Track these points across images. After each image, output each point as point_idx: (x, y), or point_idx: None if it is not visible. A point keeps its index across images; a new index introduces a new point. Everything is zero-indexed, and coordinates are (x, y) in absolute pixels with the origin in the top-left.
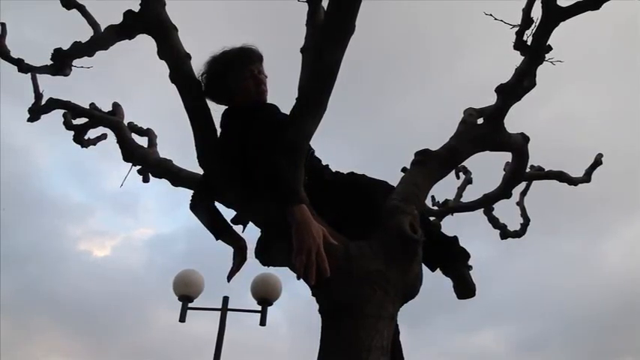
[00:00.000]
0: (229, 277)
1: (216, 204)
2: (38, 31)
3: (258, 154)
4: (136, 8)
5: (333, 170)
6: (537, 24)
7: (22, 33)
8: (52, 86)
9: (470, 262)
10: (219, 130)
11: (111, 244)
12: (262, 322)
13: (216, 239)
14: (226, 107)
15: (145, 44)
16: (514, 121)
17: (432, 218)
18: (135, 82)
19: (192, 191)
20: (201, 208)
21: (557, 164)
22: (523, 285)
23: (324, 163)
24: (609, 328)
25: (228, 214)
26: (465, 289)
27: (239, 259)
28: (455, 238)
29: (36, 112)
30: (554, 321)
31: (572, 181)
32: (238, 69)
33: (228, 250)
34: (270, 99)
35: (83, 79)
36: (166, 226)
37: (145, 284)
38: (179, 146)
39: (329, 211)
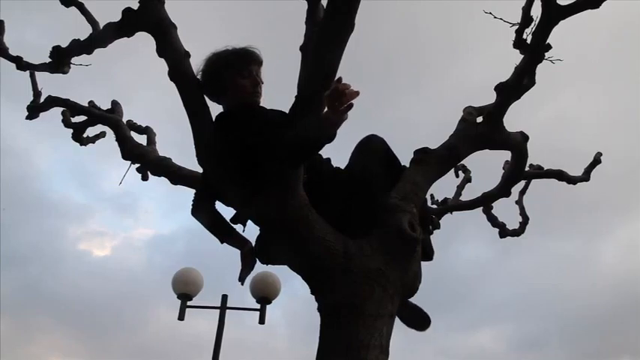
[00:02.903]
0: (242, 280)
1: (217, 207)
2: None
3: (261, 149)
4: (135, 6)
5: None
6: (537, 22)
7: (22, 36)
8: (50, 85)
9: (469, 261)
10: None
11: (111, 245)
12: (261, 321)
13: (221, 242)
14: (221, 112)
15: (144, 42)
16: (513, 120)
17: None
18: (134, 80)
19: (191, 190)
20: (203, 210)
21: (556, 165)
22: (522, 284)
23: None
24: (607, 328)
25: (228, 213)
26: (424, 253)
27: (249, 262)
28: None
29: (34, 109)
30: (553, 320)
31: (572, 180)
32: (238, 66)
33: (227, 250)
34: (270, 97)
35: (82, 77)
36: (166, 227)
37: (145, 284)
38: (178, 146)
39: (329, 209)
